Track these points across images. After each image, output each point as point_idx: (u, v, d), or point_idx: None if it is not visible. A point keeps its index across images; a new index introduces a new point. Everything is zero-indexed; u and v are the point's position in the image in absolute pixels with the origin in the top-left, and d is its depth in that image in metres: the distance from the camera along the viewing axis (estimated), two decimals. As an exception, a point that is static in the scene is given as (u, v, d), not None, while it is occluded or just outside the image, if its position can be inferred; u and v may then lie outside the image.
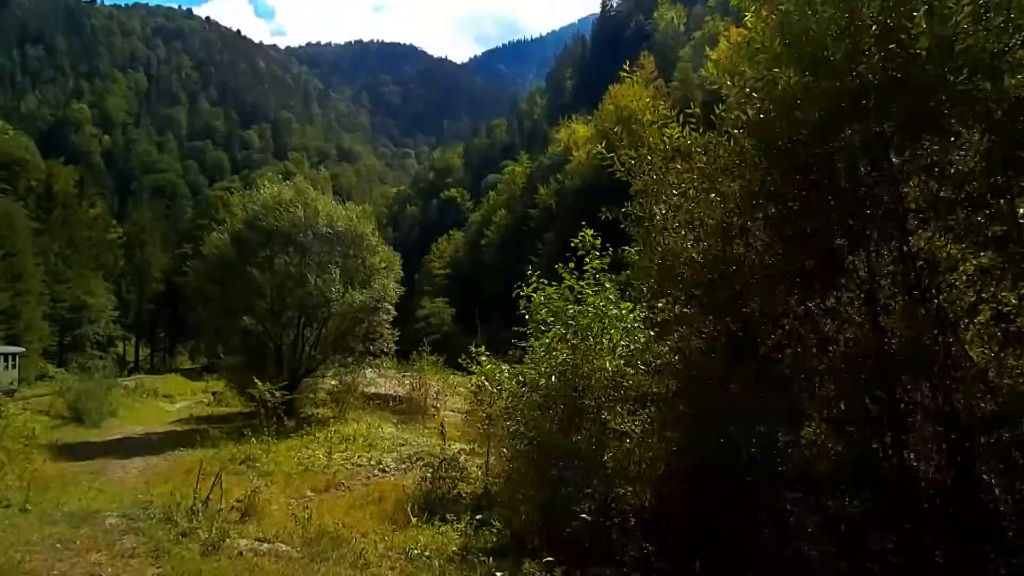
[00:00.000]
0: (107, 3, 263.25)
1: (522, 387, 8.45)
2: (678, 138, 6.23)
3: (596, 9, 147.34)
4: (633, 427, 6.93)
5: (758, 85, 5.63)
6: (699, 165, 6.01)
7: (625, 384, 7.08)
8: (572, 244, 8.97)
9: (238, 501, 11.43)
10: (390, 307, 27.17)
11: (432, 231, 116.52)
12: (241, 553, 7.66)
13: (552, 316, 8.20)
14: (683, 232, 6.13)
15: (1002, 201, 5.01)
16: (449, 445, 14.37)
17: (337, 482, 15.06)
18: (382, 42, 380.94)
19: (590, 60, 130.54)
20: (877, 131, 5.09)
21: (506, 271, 55.13)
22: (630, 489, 6.86)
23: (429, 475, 12.47)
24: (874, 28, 4.99)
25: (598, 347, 7.59)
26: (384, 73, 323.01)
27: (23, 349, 31.15)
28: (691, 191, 6.04)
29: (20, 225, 51.81)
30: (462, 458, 13.06)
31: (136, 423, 29.77)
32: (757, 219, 5.65)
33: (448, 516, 10.71)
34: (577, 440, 7.29)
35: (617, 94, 72.62)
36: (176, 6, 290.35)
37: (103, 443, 22.64)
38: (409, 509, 11.73)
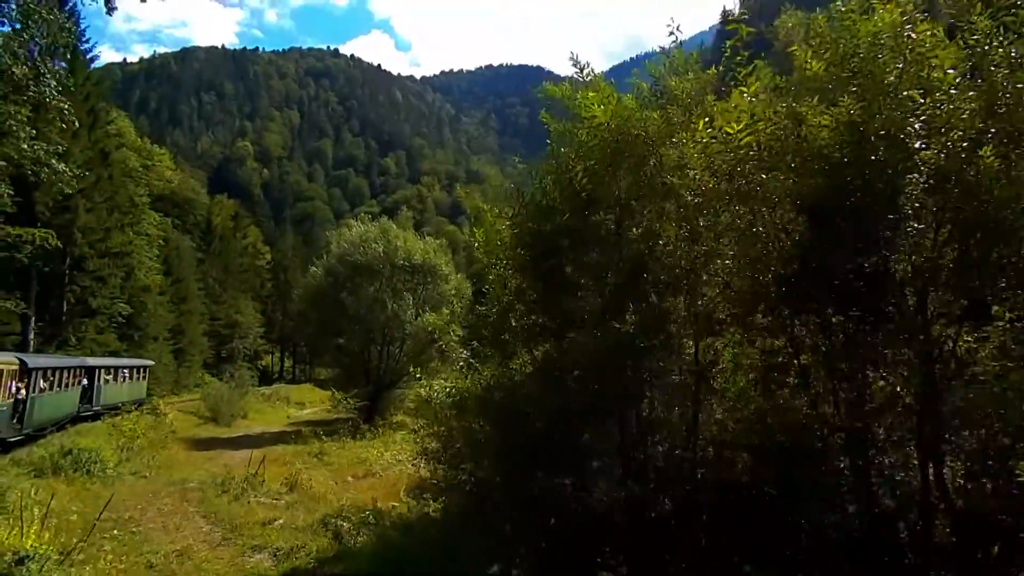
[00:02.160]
0: (267, 49, 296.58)
1: (439, 398, 11.74)
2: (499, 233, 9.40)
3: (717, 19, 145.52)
4: (477, 427, 9.99)
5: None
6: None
7: (468, 398, 10.18)
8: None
9: (285, 479, 15.62)
10: (458, 328, 30.88)
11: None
12: (249, 502, 11.59)
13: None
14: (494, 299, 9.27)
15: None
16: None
17: (374, 471, 18.97)
18: (511, 65, 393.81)
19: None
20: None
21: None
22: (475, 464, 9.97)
23: (423, 466, 15.93)
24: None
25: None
26: (512, 95, 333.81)
27: (152, 362, 36.91)
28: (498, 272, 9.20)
29: (186, 255, 61.75)
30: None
31: (260, 424, 35.57)
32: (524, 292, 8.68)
33: (425, 496, 14.16)
34: (453, 433, 10.53)
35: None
36: (325, 46, 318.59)
37: (226, 438, 28.14)
38: (402, 491, 15.33)
